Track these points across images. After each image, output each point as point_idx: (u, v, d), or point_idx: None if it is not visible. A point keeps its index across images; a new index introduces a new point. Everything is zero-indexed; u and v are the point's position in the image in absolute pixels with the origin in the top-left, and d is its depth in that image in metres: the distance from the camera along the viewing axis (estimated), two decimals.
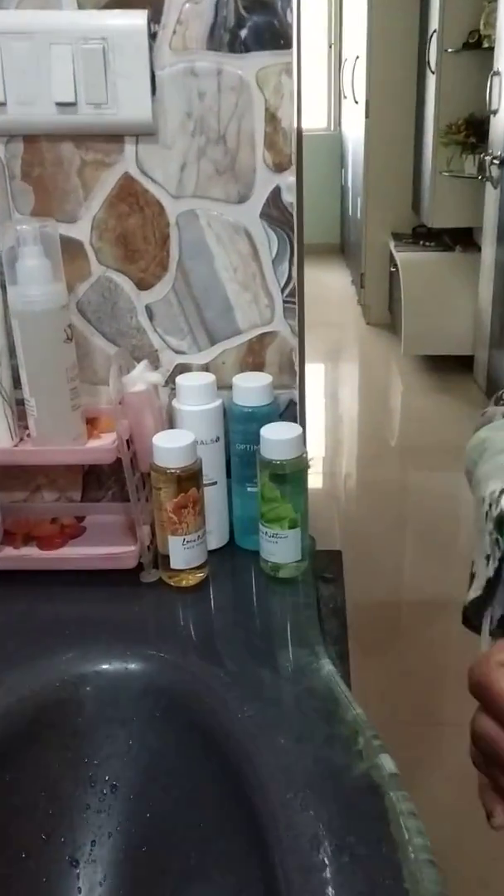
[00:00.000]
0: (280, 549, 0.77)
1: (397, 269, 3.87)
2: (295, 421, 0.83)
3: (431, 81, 3.64)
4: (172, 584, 0.77)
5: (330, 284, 5.32)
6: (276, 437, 0.74)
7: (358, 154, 4.54)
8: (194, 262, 0.78)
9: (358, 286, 4.77)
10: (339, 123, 5.90)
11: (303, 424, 0.82)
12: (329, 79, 5.95)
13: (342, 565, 0.84)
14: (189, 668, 0.69)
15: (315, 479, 2.97)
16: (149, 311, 0.80)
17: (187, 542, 0.75)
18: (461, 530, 2.59)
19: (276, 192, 0.75)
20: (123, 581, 0.78)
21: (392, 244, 4.12)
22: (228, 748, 0.62)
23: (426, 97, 3.80)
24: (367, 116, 4.18)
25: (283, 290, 0.79)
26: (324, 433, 3.41)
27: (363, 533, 2.55)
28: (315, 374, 3.98)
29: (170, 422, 0.81)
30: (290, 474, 0.75)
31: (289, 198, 0.75)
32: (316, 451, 3.14)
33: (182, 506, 0.74)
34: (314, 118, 5.99)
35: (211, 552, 0.82)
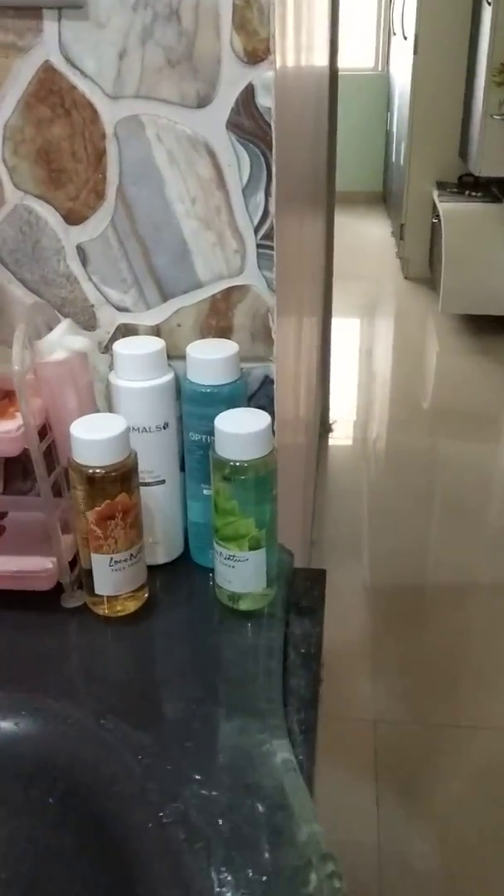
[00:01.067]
0: (238, 574, 0.58)
1: (440, 221, 3.61)
2: (270, 404, 0.64)
3: (487, 14, 3.32)
4: (97, 612, 0.60)
5: (368, 235, 5.05)
6: (233, 429, 0.55)
7: (404, 96, 4.23)
8: (139, 188, 0.58)
9: (398, 238, 4.50)
10: (387, 63, 5.54)
11: (273, 411, 0.63)
12: (378, 14, 5.58)
13: (325, 590, 0.66)
14: (101, 737, 0.51)
15: (343, 442, 2.77)
16: (81, 252, 0.61)
17: (116, 562, 0.57)
18: (492, 505, 2.39)
19: (249, 93, 0.55)
20: (40, 603, 0.61)
21: (435, 193, 3.84)
22: (138, 867, 0.45)
23: (480, 32, 3.48)
24: (415, 53, 3.87)
25: (257, 231, 0.59)
26: (354, 393, 3.20)
27: (388, 507, 2.36)
28: (347, 330, 3.75)
29: (107, 402, 0.63)
30: (252, 480, 0.56)
31: (266, 101, 0.55)
32: (344, 411, 2.94)
33: (107, 516, 0.55)
34: (360, 57, 5.63)
35: (157, 568, 0.64)
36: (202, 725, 0.51)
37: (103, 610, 0.59)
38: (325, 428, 2.75)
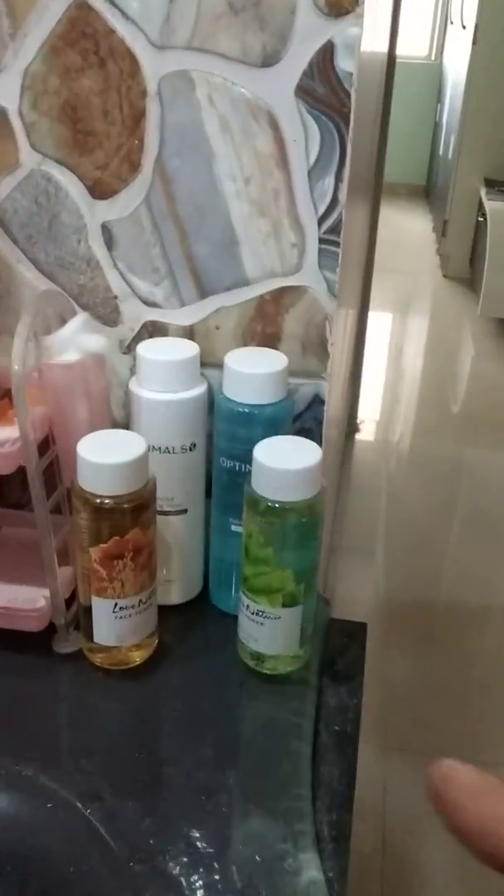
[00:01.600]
0: (267, 633, 0.49)
1: (485, 219, 3.48)
2: (318, 427, 0.54)
3: None
4: (96, 662, 0.50)
5: (408, 229, 4.91)
6: (276, 463, 0.45)
7: (458, 87, 4.08)
8: (182, 160, 0.48)
9: (439, 234, 4.37)
10: (440, 53, 5.38)
11: (321, 437, 0.53)
12: (436, 1, 5.41)
13: (365, 648, 0.56)
14: (87, 828, 0.42)
15: (364, 446, 2.67)
16: (107, 233, 0.51)
17: (121, 608, 0.47)
18: None
19: (327, 53, 0.45)
20: (28, 642, 0.51)
21: (483, 191, 3.70)
22: None
23: None
24: (474, 43, 3.72)
25: (321, 222, 0.49)
26: (381, 392, 3.09)
27: (409, 518, 2.25)
28: (379, 325, 3.63)
29: (125, 411, 0.53)
30: (294, 525, 0.46)
31: (347, 64, 0.45)
32: (371, 411, 2.82)
33: (115, 555, 0.46)
34: (412, 46, 5.46)
35: (170, 609, 0.55)
36: (211, 824, 0.42)
37: (103, 661, 0.50)
38: (352, 427, 2.65)
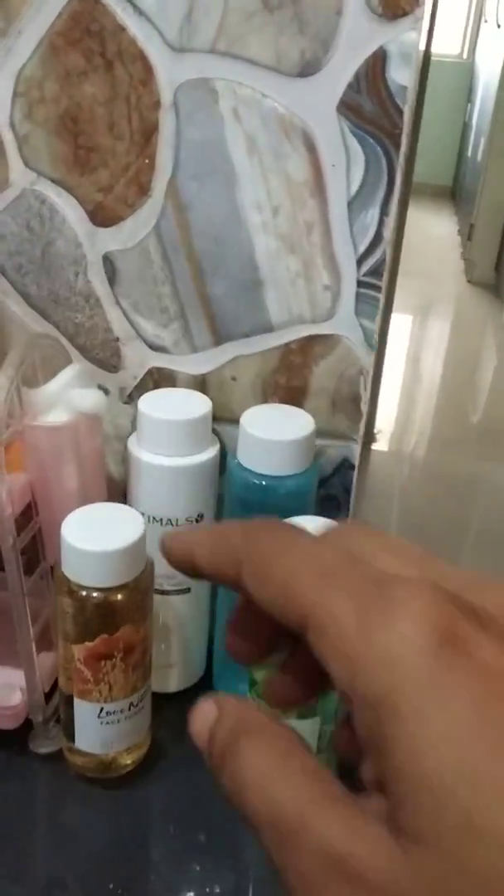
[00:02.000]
0: None
1: None
2: (345, 496, 0.46)
3: None
4: (76, 767, 0.43)
5: (432, 232, 4.82)
6: None
7: (490, 87, 3.98)
8: (201, 185, 0.41)
9: (465, 238, 4.28)
10: (472, 51, 5.27)
11: (349, 507, 0.46)
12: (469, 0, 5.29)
13: None
14: None
15: (378, 457, 2.58)
16: (109, 265, 0.43)
17: (108, 713, 0.40)
18: None
19: (378, 62, 0.37)
20: (2, 741, 0.44)
21: None
22: None
23: None
24: None
25: (361, 262, 0.41)
26: (396, 402, 3.00)
27: (419, 534, 2.17)
28: (399, 330, 3.54)
29: (123, 468, 0.46)
30: None
31: (401, 76, 0.37)
32: (385, 421, 2.74)
33: (102, 655, 0.39)
34: (443, 43, 5.35)
35: (167, 698, 0.47)
36: None
37: (84, 767, 0.42)
38: (369, 437, 2.56)
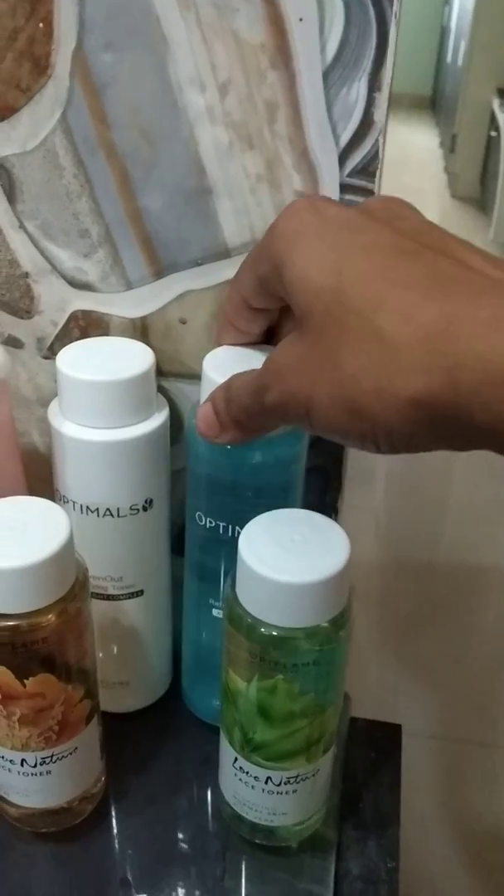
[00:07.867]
0: (291, 802, 0.32)
1: (498, 134, 3.23)
2: (334, 470, 0.37)
3: None
4: (10, 819, 0.34)
5: (413, 144, 4.63)
6: (285, 575, 0.27)
7: None
8: (118, 56, 0.29)
9: (447, 150, 4.10)
10: None
11: (340, 485, 0.36)
12: None
13: (399, 771, 0.40)
14: None
15: None
16: (5, 175, 0.32)
17: (29, 765, 0.31)
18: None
19: None
20: None
21: (496, 102, 3.44)
22: None
23: None
24: None
25: (344, 157, 0.30)
26: None
27: (410, 496, 2.10)
28: None
29: (48, 455, 0.36)
30: (307, 665, 0.29)
31: None
32: None
33: (12, 697, 0.29)
34: None
35: (126, 720, 0.38)
36: None
37: (10, 817, 0.33)
38: None
